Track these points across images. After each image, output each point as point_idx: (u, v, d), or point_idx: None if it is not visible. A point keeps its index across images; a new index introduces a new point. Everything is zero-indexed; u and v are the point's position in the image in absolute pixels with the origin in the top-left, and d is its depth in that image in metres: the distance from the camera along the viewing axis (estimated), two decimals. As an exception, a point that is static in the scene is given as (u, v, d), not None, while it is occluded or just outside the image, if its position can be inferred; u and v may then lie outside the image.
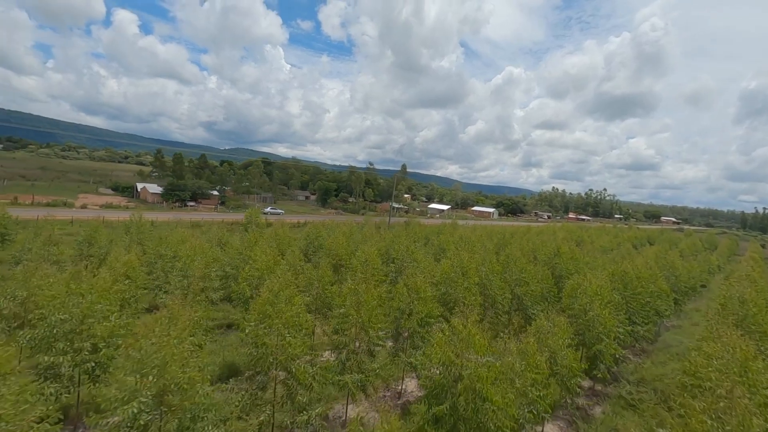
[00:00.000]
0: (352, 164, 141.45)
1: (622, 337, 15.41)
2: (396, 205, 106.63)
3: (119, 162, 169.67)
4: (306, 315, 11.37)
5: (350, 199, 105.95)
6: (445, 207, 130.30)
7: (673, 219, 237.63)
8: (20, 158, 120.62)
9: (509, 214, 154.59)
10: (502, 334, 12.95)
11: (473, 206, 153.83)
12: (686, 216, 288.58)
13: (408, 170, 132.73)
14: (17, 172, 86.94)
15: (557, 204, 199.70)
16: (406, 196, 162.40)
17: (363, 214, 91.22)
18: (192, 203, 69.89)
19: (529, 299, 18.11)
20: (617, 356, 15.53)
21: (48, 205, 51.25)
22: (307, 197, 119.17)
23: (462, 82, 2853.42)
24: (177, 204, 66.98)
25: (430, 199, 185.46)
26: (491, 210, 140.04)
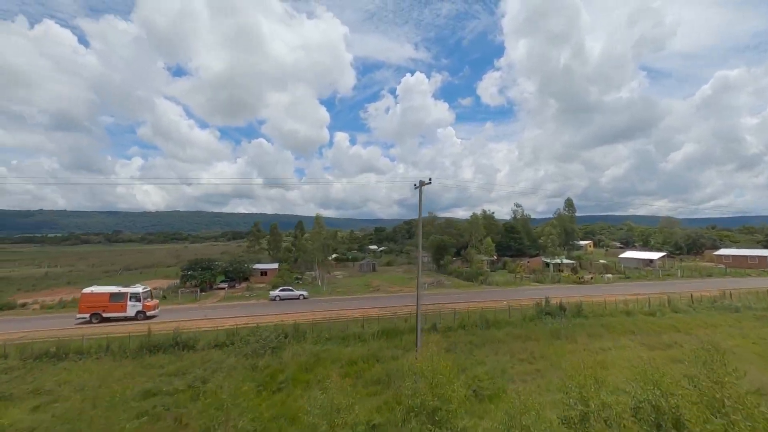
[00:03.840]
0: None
1: None
2: (555, 261, 65.07)
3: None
4: None
5: (470, 255, 71.18)
6: (655, 255, 76.19)
7: None
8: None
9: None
10: None
11: (713, 248, 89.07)
12: None
13: (595, 213, 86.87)
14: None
15: None
16: (583, 242, 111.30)
17: (484, 280, 55.48)
18: (224, 285, 53.33)
19: None
20: None
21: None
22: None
23: (650, 107, 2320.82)
24: (189, 290, 50.07)
25: (627, 245, 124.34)
26: (764, 253, 74.40)
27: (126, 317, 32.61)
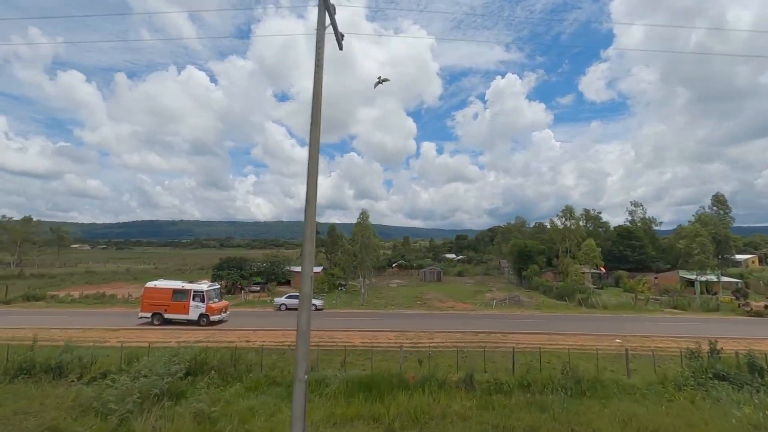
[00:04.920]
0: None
1: None
2: (706, 277, 43.54)
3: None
4: None
5: (564, 264, 52.80)
6: None
7: None
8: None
9: None
10: None
11: None
12: None
13: (749, 224, 60.46)
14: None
15: None
16: (742, 257, 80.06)
17: (584, 300, 38.50)
18: (255, 288, 46.63)
19: None
20: None
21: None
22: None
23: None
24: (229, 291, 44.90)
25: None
26: None
27: (189, 320, 26.18)
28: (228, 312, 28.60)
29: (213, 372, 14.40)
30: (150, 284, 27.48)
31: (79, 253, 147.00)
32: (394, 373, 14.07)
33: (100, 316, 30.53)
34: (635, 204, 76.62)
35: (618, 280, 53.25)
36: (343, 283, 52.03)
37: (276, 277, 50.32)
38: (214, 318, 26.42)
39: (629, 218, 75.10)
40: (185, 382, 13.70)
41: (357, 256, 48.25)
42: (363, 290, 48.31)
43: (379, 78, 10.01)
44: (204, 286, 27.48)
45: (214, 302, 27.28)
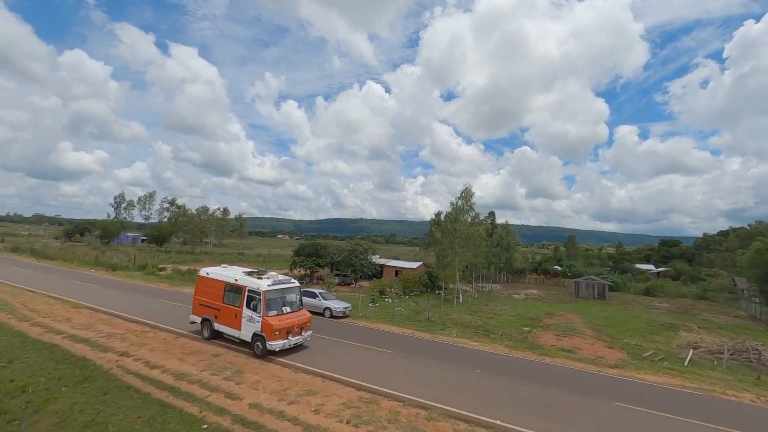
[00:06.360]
0: None
1: None
2: None
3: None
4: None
5: None
6: None
7: None
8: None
9: None
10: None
11: None
12: None
13: None
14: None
15: None
16: None
17: None
18: (334, 279, 39.07)
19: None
20: None
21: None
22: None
23: None
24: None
25: None
26: None
27: (241, 340, 15.31)
28: (309, 333, 16.01)
29: None
30: (204, 272, 17.44)
31: (265, 240, 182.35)
32: None
33: (126, 290, 29.02)
34: None
35: None
36: (444, 285, 39.18)
37: (361, 269, 42.16)
38: (274, 345, 14.09)
39: None
40: None
41: (450, 252, 34.65)
42: (459, 297, 34.69)
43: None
44: (265, 281, 15.19)
45: (283, 313, 15.05)
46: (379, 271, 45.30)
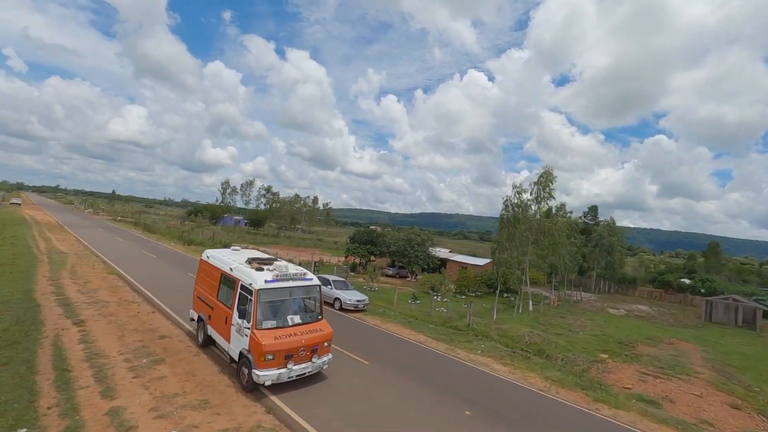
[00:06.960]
0: None
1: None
2: None
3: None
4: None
5: None
6: None
7: None
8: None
9: None
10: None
11: None
12: None
13: None
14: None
15: None
16: None
17: None
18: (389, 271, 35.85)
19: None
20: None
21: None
22: None
23: None
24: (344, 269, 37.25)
25: None
26: None
27: (230, 357, 10.52)
28: (327, 358, 10.39)
29: None
30: (205, 254, 13.31)
31: (354, 231, 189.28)
32: None
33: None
34: None
35: None
36: (512, 288, 32.79)
37: (416, 261, 38.18)
38: (262, 376, 8.95)
39: None
40: None
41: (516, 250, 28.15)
42: (528, 304, 28.53)
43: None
44: (264, 274, 10.15)
45: (286, 324, 9.84)
46: (439, 265, 40.76)
